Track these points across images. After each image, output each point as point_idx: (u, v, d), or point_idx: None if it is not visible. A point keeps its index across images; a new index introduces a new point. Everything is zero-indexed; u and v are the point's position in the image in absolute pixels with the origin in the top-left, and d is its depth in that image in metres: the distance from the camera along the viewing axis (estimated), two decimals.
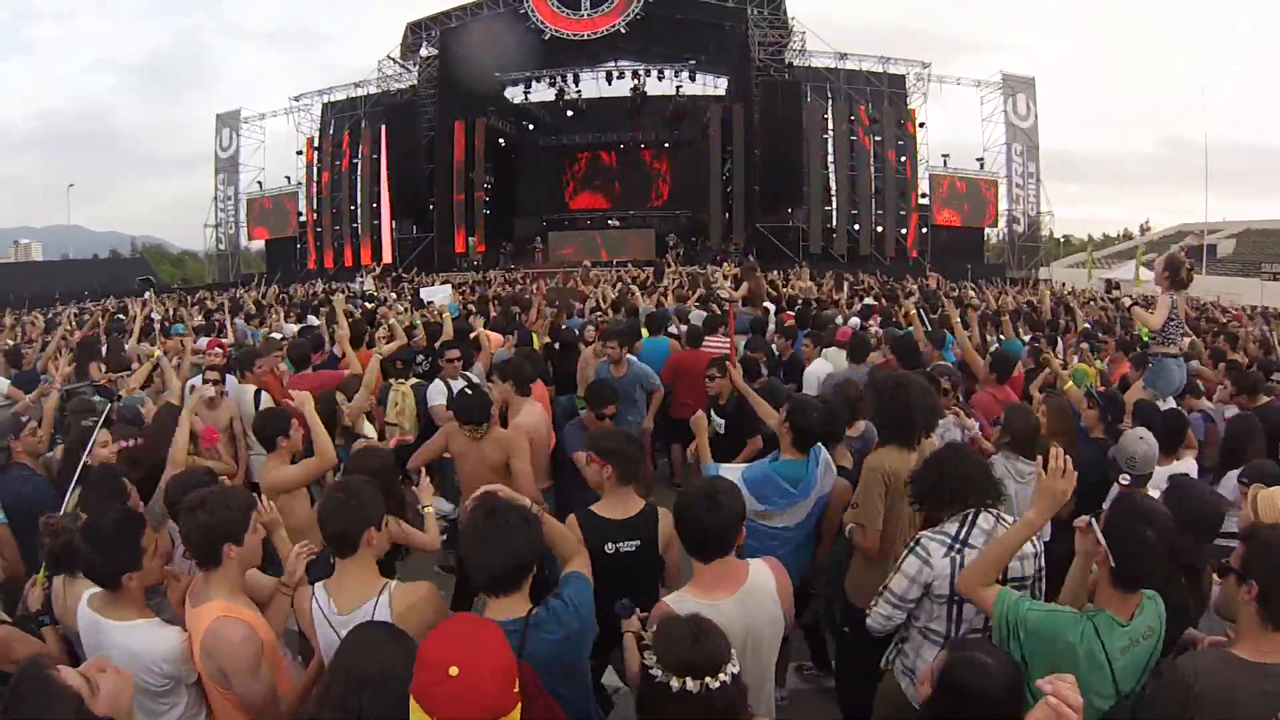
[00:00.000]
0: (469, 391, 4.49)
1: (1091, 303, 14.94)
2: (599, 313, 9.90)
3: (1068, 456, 2.53)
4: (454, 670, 1.73)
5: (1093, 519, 2.42)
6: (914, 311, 7.40)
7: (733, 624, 2.33)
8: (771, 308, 9.70)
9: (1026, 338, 8.24)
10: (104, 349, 7.93)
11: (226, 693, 2.40)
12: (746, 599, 2.49)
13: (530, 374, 5.23)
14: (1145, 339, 6.26)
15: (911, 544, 2.88)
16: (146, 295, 11.70)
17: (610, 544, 3.06)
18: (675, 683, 1.82)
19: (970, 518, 2.83)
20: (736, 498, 2.56)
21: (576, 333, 8.02)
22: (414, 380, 6.07)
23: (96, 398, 6.14)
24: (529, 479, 4.29)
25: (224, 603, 2.44)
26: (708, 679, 1.81)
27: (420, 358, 7.15)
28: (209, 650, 2.37)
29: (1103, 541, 2.32)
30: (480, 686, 1.74)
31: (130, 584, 2.50)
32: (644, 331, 7.93)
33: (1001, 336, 7.69)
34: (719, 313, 8.51)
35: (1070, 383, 5.53)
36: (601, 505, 3.19)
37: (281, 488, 3.87)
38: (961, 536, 2.81)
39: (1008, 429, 4.11)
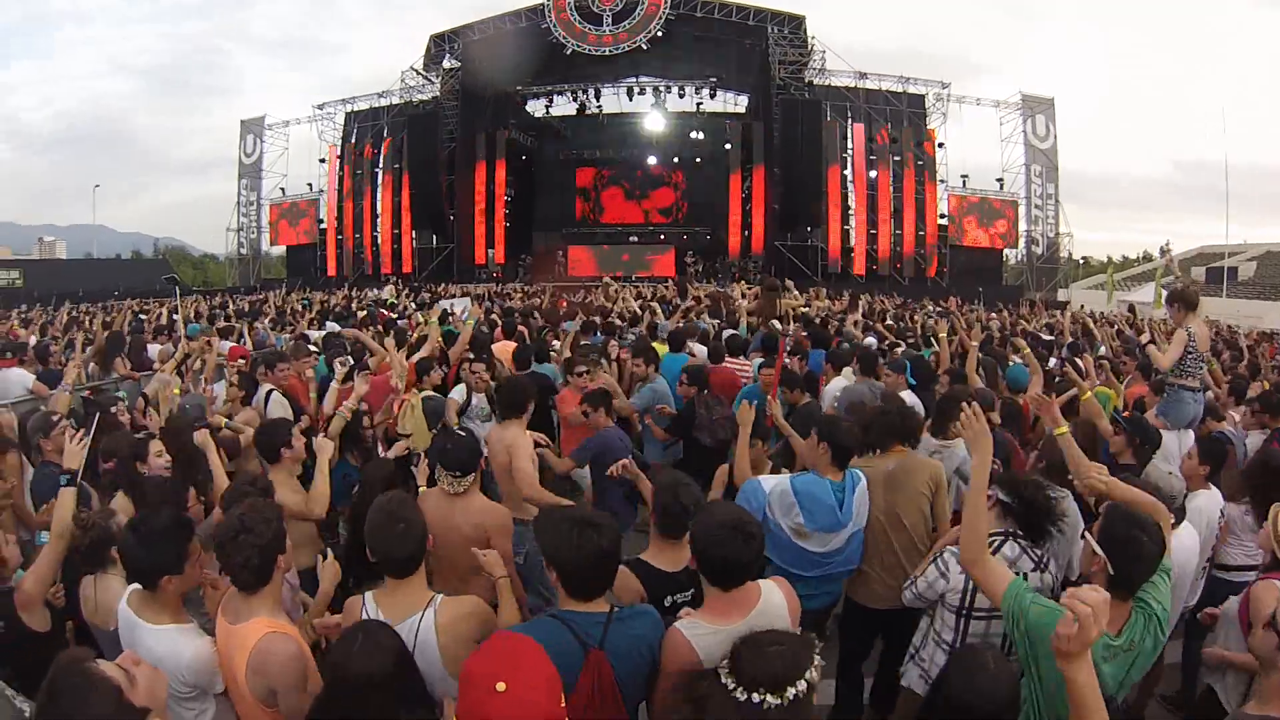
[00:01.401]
0: (460, 434, 3.80)
1: (1112, 326, 14.87)
2: (628, 330, 9.87)
3: (974, 406, 2.66)
4: (500, 686, 1.74)
5: (1085, 532, 2.49)
6: (944, 335, 7.40)
7: None
8: (777, 325, 9.64)
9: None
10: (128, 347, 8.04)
11: (270, 709, 2.37)
12: (758, 622, 2.42)
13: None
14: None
15: (934, 556, 3.10)
16: (174, 298, 11.81)
17: (669, 597, 2.88)
18: (774, 699, 1.81)
19: (998, 544, 2.96)
20: (759, 525, 2.57)
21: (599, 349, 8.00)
22: (425, 391, 6.02)
23: (122, 393, 6.26)
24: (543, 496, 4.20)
25: (269, 619, 2.43)
26: (788, 690, 1.82)
27: (435, 367, 7.18)
28: (258, 668, 2.33)
29: (1099, 551, 2.39)
30: (528, 699, 1.76)
31: (168, 586, 2.49)
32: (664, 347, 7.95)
33: (1012, 360, 7.65)
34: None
35: (1089, 394, 5.51)
36: (651, 554, 2.99)
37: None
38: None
39: (1044, 456, 4.12)
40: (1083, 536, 2.49)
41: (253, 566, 2.41)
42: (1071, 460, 3.30)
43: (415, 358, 6.53)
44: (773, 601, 2.55)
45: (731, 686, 1.85)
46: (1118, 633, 2.38)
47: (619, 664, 2.29)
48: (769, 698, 1.80)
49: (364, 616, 2.52)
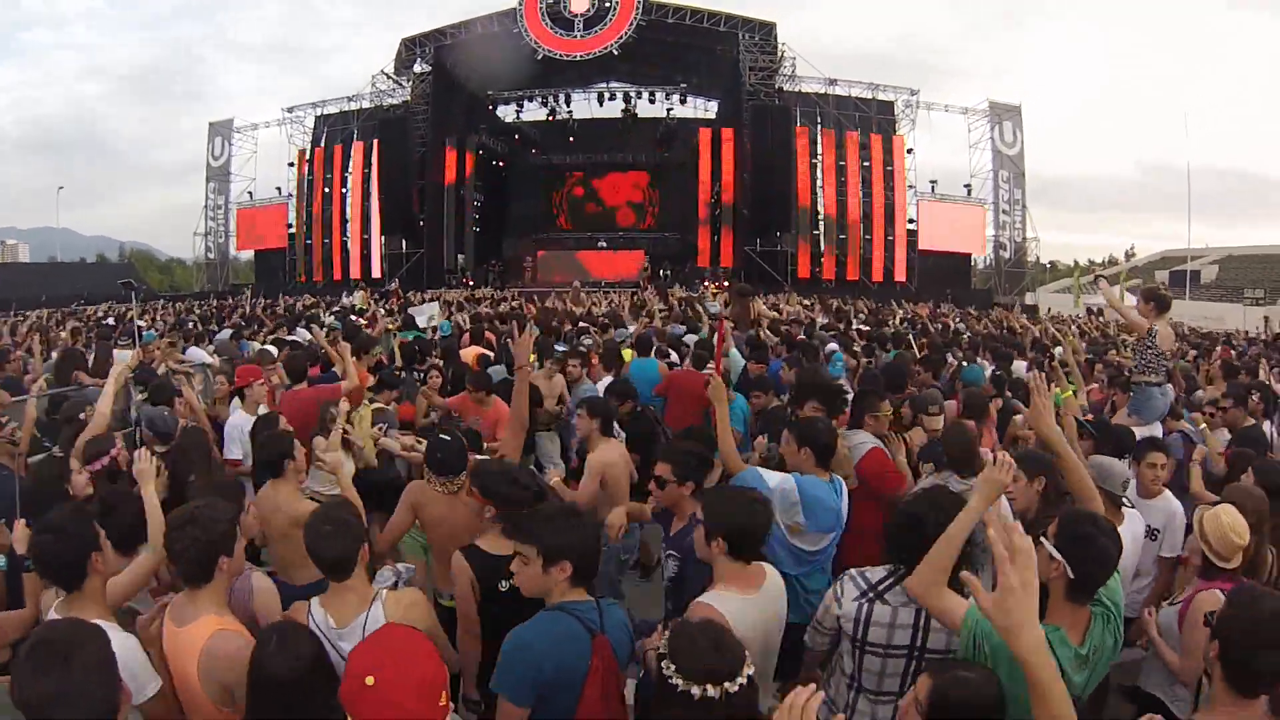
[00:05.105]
0: (445, 438, 3.81)
1: (1073, 327, 15.10)
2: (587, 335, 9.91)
3: (1011, 459, 2.56)
4: (370, 680, 1.76)
5: (1041, 537, 2.34)
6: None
7: (760, 615, 2.58)
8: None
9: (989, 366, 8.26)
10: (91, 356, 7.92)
11: (226, 710, 2.34)
12: (766, 597, 2.69)
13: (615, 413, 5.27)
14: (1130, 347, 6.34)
15: (837, 580, 2.82)
16: (133, 303, 11.48)
17: (504, 581, 2.88)
18: (696, 690, 1.81)
19: (902, 574, 2.66)
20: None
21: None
22: (376, 405, 5.92)
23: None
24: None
25: (216, 617, 2.42)
26: (726, 684, 1.81)
27: (401, 375, 7.14)
28: (208, 668, 2.31)
29: (1057, 555, 2.29)
30: (396, 697, 1.76)
31: (98, 567, 2.47)
32: (630, 353, 7.99)
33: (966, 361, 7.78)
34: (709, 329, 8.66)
35: (1070, 394, 5.61)
36: (486, 541, 3.05)
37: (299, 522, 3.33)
38: (880, 588, 2.68)
39: (946, 449, 4.10)
40: (1039, 541, 2.42)
41: (191, 558, 2.41)
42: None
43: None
44: (776, 581, 2.78)
45: (671, 677, 1.86)
46: (1080, 640, 2.30)
47: (615, 645, 2.45)
48: (708, 689, 1.82)
49: (311, 623, 2.54)
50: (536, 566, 2.41)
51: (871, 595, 2.66)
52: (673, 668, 1.86)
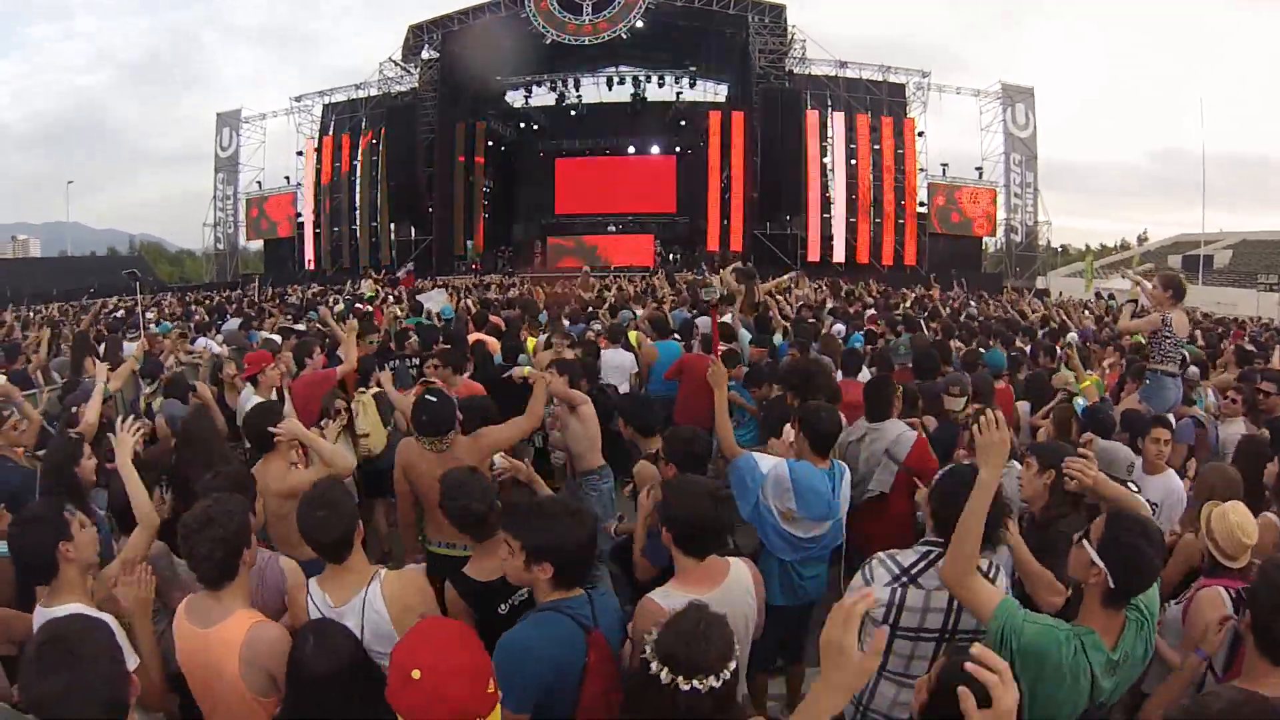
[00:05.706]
0: (431, 399, 3.87)
1: (1085, 310, 14.98)
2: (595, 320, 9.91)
3: (997, 412, 2.45)
4: (416, 673, 1.71)
5: (1084, 539, 2.30)
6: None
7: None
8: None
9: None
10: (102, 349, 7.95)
11: (267, 700, 2.35)
12: (726, 594, 2.55)
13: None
14: (1142, 341, 6.30)
15: (865, 563, 2.77)
16: (136, 294, 11.38)
17: (503, 605, 2.78)
18: (655, 665, 1.79)
19: (934, 556, 2.65)
20: (728, 490, 2.70)
21: (575, 338, 7.97)
22: (375, 389, 5.88)
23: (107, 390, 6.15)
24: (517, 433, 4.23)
25: (247, 612, 2.43)
26: (678, 676, 1.77)
27: (395, 363, 7.10)
28: (251, 660, 2.32)
29: (1099, 561, 2.22)
30: (445, 688, 1.72)
31: (69, 555, 2.50)
32: (636, 334, 7.98)
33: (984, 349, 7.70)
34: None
35: (1089, 381, 5.58)
36: (474, 568, 2.91)
37: (290, 493, 3.48)
38: (913, 571, 2.65)
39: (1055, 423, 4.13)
40: (1079, 543, 2.33)
41: (216, 559, 2.38)
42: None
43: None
44: (740, 577, 2.66)
45: (665, 677, 1.79)
46: (1113, 646, 2.25)
47: (609, 637, 2.40)
48: (664, 672, 1.78)
49: (310, 604, 2.57)
50: (519, 560, 2.34)
51: (905, 580, 2.64)
52: (652, 635, 1.86)
